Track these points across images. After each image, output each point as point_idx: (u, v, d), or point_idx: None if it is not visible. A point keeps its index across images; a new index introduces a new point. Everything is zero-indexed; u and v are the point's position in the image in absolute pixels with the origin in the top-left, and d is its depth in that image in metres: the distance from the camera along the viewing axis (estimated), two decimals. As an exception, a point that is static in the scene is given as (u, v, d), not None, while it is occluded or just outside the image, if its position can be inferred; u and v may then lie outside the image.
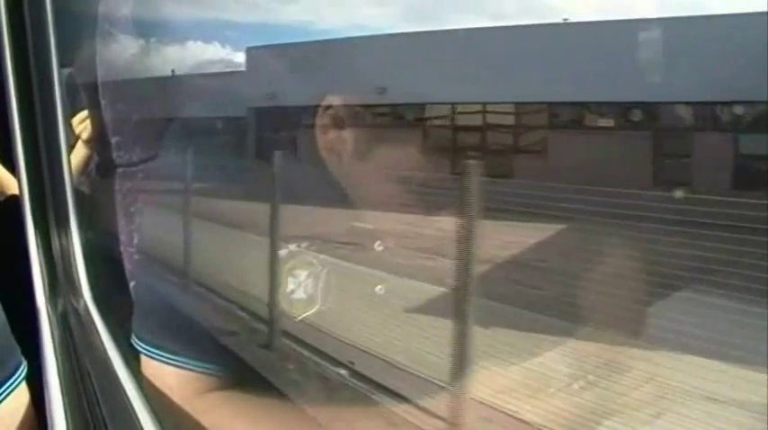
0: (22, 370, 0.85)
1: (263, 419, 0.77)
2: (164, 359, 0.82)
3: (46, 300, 1.06)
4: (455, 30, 0.79)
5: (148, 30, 1.22)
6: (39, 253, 1.11)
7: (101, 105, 1.25)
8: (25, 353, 0.89)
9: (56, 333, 0.98)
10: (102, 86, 1.14)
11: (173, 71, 1.21)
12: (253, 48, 1.12)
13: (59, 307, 1.07)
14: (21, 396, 0.84)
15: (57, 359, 0.91)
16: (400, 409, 0.78)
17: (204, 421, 0.77)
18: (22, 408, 0.84)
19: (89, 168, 1.44)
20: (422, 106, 0.97)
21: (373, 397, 0.85)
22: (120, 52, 1.17)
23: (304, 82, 0.92)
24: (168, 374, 0.82)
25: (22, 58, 1.10)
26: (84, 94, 1.35)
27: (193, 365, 0.82)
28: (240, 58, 1.14)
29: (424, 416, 0.74)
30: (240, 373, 0.82)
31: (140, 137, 1.05)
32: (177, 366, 0.82)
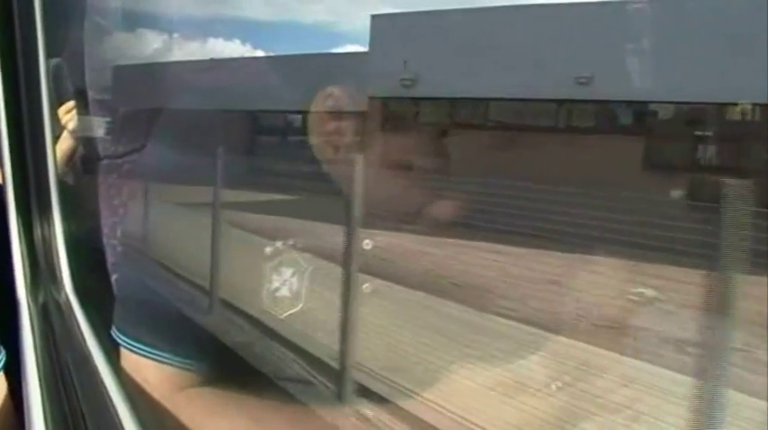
0: (0, 359, 0.84)
1: (242, 416, 0.78)
2: (144, 353, 0.83)
3: (27, 291, 1.06)
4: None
5: (140, 19, 1.20)
6: (21, 243, 1.10)
7: (88, 95, 1.25)
8: (4, 344, 0.88)
9: (36, 324, 0.98)
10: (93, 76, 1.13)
11: (211, 59, 1.09)
12: (380, 17, 0.82)
13: (40, 298, 1.07)
14: None
15: (36, 350, 0.90)
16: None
17: (182, 416, 0.77)
18: None
19: (74, 159, 1.43)
20: (645, 105, 0.70)
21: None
22: (115, 42, 1.14)
23: (468, 64, 0.67)
24: (148, 368, 0.82)
25: (9, 47, 1.09)
26: (72, 84, 1.34)
27: (173, 360, 0.82)
28: (250, 53, 1.03)
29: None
30: (219, 370, 0.82)
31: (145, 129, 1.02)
32: (157, 360, 0.82)
